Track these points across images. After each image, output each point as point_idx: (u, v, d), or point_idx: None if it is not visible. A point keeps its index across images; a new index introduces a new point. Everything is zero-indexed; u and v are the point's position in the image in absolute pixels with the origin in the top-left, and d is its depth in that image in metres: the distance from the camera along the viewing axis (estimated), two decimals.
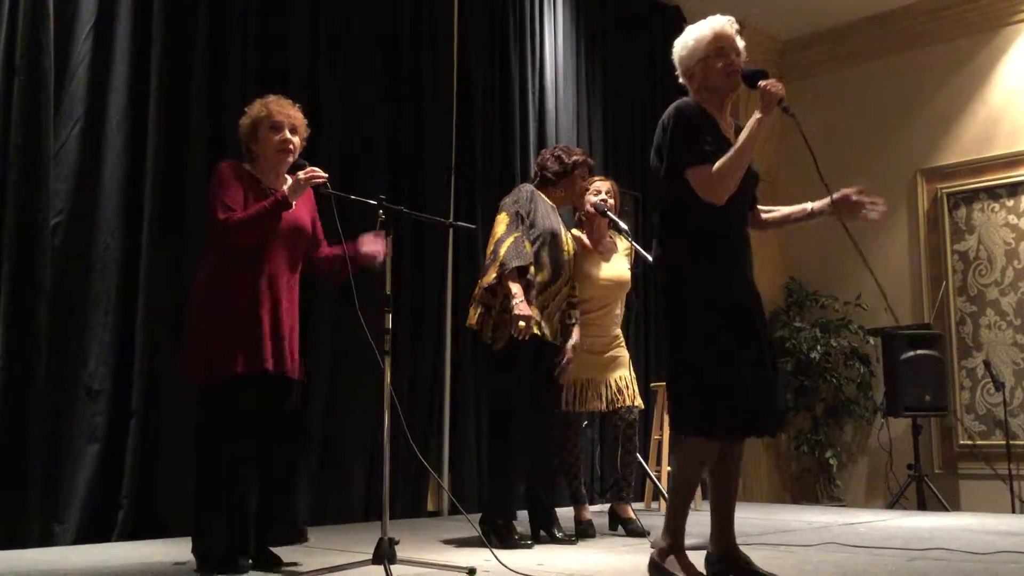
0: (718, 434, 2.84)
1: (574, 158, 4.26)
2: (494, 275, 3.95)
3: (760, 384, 2.83)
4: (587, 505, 4.44)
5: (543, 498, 4.11)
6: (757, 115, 2.86)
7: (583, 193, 4.35)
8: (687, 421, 2.87)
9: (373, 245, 3.44)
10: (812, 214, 3.11)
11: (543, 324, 4.02)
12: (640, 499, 5.96)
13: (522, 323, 3.82)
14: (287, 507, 3.39)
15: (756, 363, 2.83)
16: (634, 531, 4.33)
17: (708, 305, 2.85)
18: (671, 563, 2.83)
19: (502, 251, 3.95)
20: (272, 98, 3.45)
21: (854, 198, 3.03)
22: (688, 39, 3.04)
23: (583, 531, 4.28)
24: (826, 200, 3.03)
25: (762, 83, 2.88)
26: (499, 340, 3.97)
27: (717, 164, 2.84)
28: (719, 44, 2.98)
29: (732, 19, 3.04)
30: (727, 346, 2.80)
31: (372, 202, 3.32)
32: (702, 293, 2.86)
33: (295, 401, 3.44)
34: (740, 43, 3.02)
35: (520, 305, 3.85)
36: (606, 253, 4.54)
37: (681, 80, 3.10)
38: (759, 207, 3.19)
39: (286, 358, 3.32)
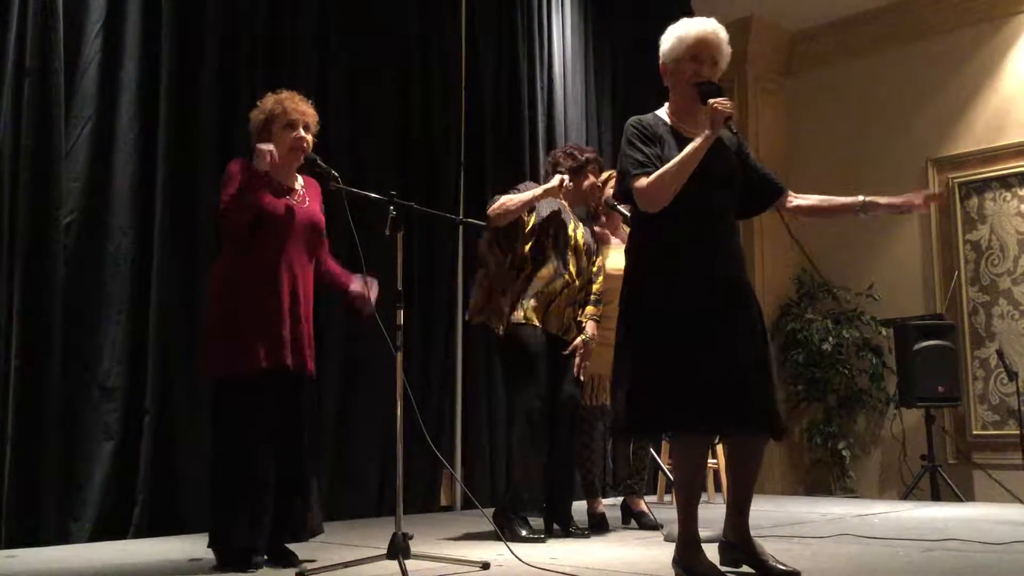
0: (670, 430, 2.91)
1: (586, 155, 4.29)
2: (490, 266, 4.11)
3: (709, 383, 2.79)
4: (600, 498, 4.45)
5: (558, 492, 4.11)
6: (706, 132, 2.86)
7: (592, 190, 4.35)
8: (632, 421, 2.91)
9: (359, 288, 3.48)
10: (865, 207, 3.04)
11: (551, 315, 4.04)
12: (653, 492, 5.96)
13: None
14: (304, 502, 3.38)
15: (722, 363, 2.80)
16: (647, 524, 4.33)
17: (650, 307, 2.86)
18: (689, 559, 2.83)
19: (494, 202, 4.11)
20: (286, 94, 3.45)
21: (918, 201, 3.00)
22: (672, 35, 3.04)
23: (596, 524, 4.28)
24: (895, 200, 3.02)
25: (711, 101, 2.87)
26: (501, 327, 4.02)
27: (653, 175, 2.87)
28: (697, 50, 2.97)
29: (722, 28, 3.01)
30: (663, 345, 2.81)
31: (383, 198, 3.33)
32: (658, 298, 2.86)
33: (311, 397, 3.44)
34: (725, 51, 3.00)
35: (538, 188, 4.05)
36: (621, 246, 4.53)
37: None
38: (791, 194, 3.14)
39: (305, 354, 3.34)
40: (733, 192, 3.04)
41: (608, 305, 4.37)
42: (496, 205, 4.05)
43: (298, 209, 3.37)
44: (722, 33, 3.01)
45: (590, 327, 4.16)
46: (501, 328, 4.01)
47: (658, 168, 2.88)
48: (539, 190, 4.06)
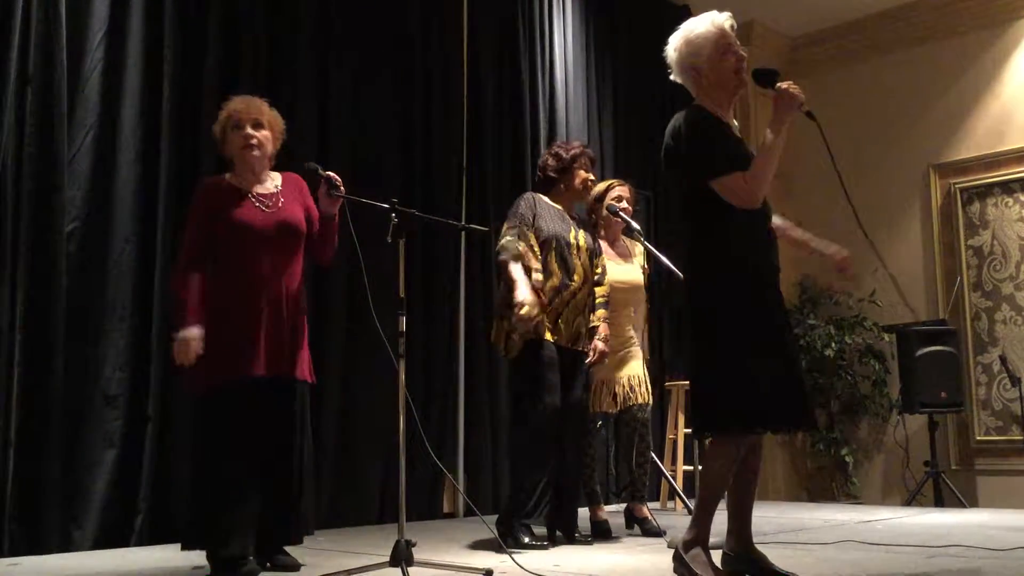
0: (759, 428, 2.85)
1: (572, 151, 4.21)
2: (503, 289, 4.01)
3: (795, 377, 2.85)
4: (602, 505, 4.44)
5: (562, 499, 4.11)
6: (782, 118, 2.85)
7: (585, 185, 4.26)
8: (727, 419, 2.84)
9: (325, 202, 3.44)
10: (804, 246, 3.20)
11: (560, 327, 4.01)
12: (656, 499, 5.95)
13: (524, 310, 3.72)
14: (288, 508, 3.39)
15: (788, 358, 2.85)
16: (650, 531, 4.32)
17: (743, 305, 2.84)
18: (693, 558, 2.82)
19: (498, 247, 3.98)
20: (235, 98, 3.43)
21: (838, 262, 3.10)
22: (691, 35, 2.99)
23: (599, 531, 4.28)
24: (823, 249, 3.15)
25: (782, 85, 2.86)
26: (512, 348, 3.99)
27: (752, 170, 2.83)
28: (727, 40, 2.96)
29: (730, 14, 3.02)
30: (765, 343, 2.81)
31: (384, 206, 3.32)
32: (736, 294, 2.85)
33: (301, 402, 3.42)
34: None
35: (521, 290, 3.78)
36: (621, 256, 4.53)
37: (678, 79, 3.06)
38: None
39: (286, 360, 3.30)
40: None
41: (611, 315, 4.36)
42: (503, 261, 3.91)
43: (270, 216, 3.32)
44: (732, 20, 3.02)
45: (603, 328, 4.14)
46: (513, 349, 4.00)
47: (740, 164, 2.84)
48: (520, 287, 3.81)
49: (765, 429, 2.88)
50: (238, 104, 3.39)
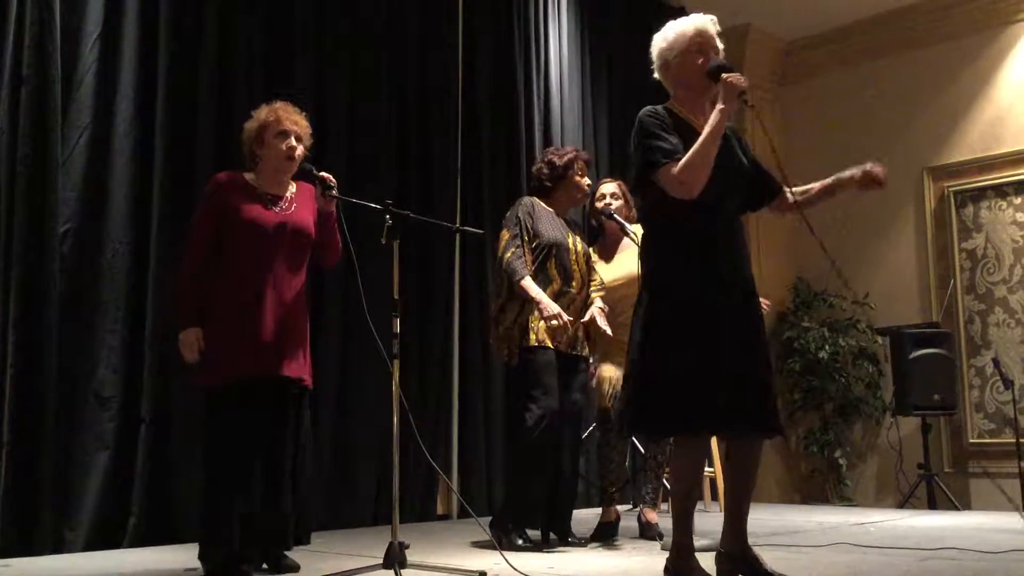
0: (665, 431, 2.89)
1: (566, 158, 4.23)
2: (503, 295, 4.03)
3: (726, 382, 2.78)
4: (616, 506, 4.39)
5: (557, 501, 4.10)
6: (720, 106, 2.85)
7: (583, 192, 4.29)
8: (645, 420, 2.88)
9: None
10: (831, 190, 3.10)
11: (560, 337, 4.01)
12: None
13: (555, 322, 3.82)
14: (283, 511, 3.39)
15: (723, 361, 2.79)
16: (647, 535, 4.28)
17: (672, 306, 2.84)
18: (681, 567, 2.82)
19: (504, 265, 3.99)
20: (280, 104, 3.48)
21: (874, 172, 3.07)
22: (669, 33, 3.05)
23: (607, 531, 4.24)
24: (854, 171, 3.06)
25: (725, 76, 2.86)
26: (513, 357, 4.00)
27: (683, 158, 2.83)
28: (700, 40, 2.99)
29: (714, 19, 3.05)
30: (685, 344, 2.79)
31: (379, 207, 3.33)
32: (668, 295, 2.86)
33: (303, 406, 3.43)
34: (720, 45, 3.03)
35: (547, 305, 3.86)
36: (623, 253, 4.48)
37: (656, 75, 3.12)
38: (788, 189, 3.12)
39: (295, 364, 3.33)
40: (742, 188, 3.04)
41: (624, 315, 4.32)
42: (510, 267, 3.96)
43: (282, 218, 3.37)
44: (716, 26, 3.04)
45: (599, 300, 4.15)
46: (514, 355, 4.00)
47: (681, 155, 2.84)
48: (545, 302, 3.88)
49: (695, 432, 2.88)
50: (284, 112, 3.44)
